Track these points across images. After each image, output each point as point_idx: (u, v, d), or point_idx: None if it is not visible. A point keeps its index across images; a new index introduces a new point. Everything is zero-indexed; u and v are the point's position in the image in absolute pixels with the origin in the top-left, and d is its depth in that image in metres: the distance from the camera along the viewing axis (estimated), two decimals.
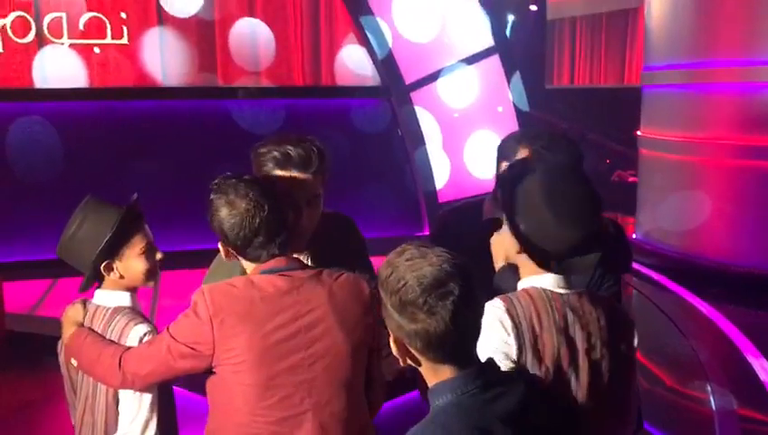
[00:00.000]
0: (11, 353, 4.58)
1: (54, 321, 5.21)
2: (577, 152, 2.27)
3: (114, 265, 1.95)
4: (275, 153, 2.02)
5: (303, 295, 1.75)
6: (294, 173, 2.01)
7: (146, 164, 6.56)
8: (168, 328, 1.79)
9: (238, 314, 1.71)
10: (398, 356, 1.40)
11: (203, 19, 6.95)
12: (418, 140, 7.21)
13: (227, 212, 1.75)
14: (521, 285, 1.71)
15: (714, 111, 6.74)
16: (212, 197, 1.79)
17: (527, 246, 1.64)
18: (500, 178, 1.73)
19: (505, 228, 1.70)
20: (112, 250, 1.92)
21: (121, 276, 1.96)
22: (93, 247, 1.90)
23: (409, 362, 1.39)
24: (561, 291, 1.67)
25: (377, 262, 2.32)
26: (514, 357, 1.58)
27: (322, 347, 1.75)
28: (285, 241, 1.80)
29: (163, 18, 6.86)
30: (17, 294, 5.39)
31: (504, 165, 2.36)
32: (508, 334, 1.58)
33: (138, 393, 1.88)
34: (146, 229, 1.99)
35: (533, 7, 15.20)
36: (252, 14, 7.05)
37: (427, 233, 7.26)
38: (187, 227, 6.03)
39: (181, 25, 6.91)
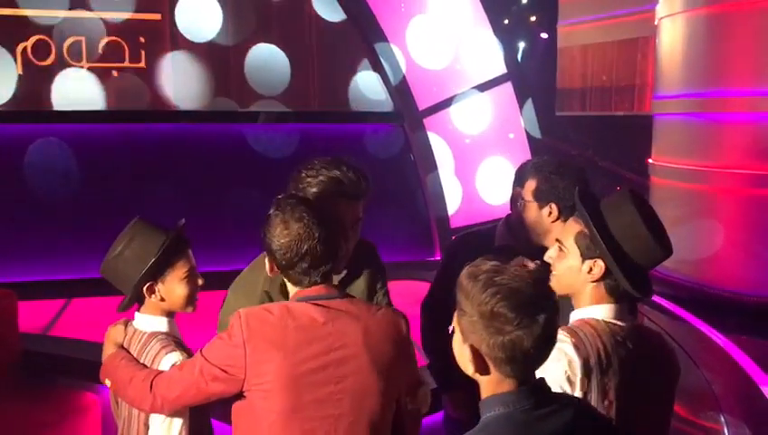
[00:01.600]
0: (25, 374, 4.58)
1: (69, 341, 5.21)
2: (583, 177, 2.35)
3: (156, 288, 1.96)
4: (323, 178, 2.00)
5: (338, 328, 1.74)
6: (344, 199, 2.01)
7: (160, 186, 6.62)
8: (200, 350, 1.79)
9: (271, 341, 1.71)
10: (464, 364, 1.42)
11: (219, 44, 7.05)
12: (431, 165, 7.25)
13: (279, 231, 1.76)
14: (576, 315, 1.74)
15: (726, 139, 6.75)
16: (270, 212, 1.80)
17: (623, 265, 1.69)
18: (590, 211, 1.77)
19: (570, 262, 1.75)
20: (157, 272, 1.94)
21: (162, 299, 1.97)
22: (138, 268, 1.92)
23: (475, 372, 1.41)
24: (620, 323, 1.70)
25: (390, 287, 2.35)
26: (578, 392, 1.60)
27: (352, 384, 1.74)
28: (330, 271, 1.79)
29: (180, 43, 6.97)
30: (32, 314, 5.41)
31: (518, 190, 2.45)
32: (575, 373, 1.60)
33: (168, 420, 1.87)
34: (190, 255, 2.01)
35: (544, 35, 15.33)
36: (267, 40, 7.15)
37: (439, 258, 7.26)
38: (198, 249, 6.07)
39: (198, 50, 7.01)
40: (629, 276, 1.69)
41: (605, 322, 1.69)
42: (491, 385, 1.40)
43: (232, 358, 1.72)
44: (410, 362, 1.86)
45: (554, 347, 1.49)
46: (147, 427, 1.90)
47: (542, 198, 2.34)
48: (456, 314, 1.43)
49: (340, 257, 1.84)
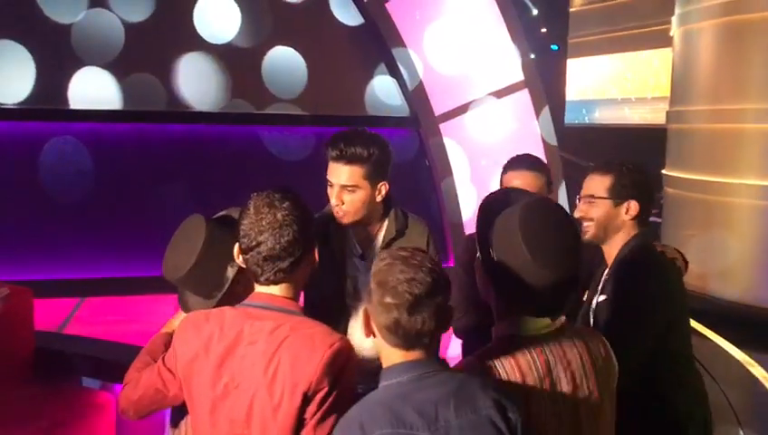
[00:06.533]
0: (39, 372, 4.55)
1: (82, 340, 5.16)
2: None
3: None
4: (329, 146, 2.30)
5: (252, 349, 1.62)
6: (331, 161, 2.31)
7: (175, 187, 6.61)
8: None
9: (194, 351, 1.67)
10: (364, 329, 1.56)
11: (237, 46, 7.04)
12: (446, 171, 7.23)
13: (249, 211, 1.69)
14: (496, 330, 1.68)
15: (742, 151, 6.73)
16: (255, 195, 1.73)
17: (500, 282, 1.61)
18: (480, 207, 1.73)
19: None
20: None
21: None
22: (227, 262, 1.87)
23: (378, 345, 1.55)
24: (539, 332, 1.62)
25: None
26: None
27: (254, 405, 1.61)
28: (282, 272, 1.67)
29: (198, 44, 6.96)
30: (46, 312, 5.39)
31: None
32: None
33: None
34: None
35: (555, 47, 15.36)
36: (285, 43, 7.14)
37: (452, 265, 7.23)
38: None
39: (216, 51, 7.00)
40: (514, 294, 1.61)
41: (521, 336, 1.61)
42: (386, 358, 1.53)
43: (174, 360, 1.73)
44: (323, 389, 1.58)
45: None
46: None
47: (621, 195, 2.30)
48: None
49: (304, 270, 1.73)
